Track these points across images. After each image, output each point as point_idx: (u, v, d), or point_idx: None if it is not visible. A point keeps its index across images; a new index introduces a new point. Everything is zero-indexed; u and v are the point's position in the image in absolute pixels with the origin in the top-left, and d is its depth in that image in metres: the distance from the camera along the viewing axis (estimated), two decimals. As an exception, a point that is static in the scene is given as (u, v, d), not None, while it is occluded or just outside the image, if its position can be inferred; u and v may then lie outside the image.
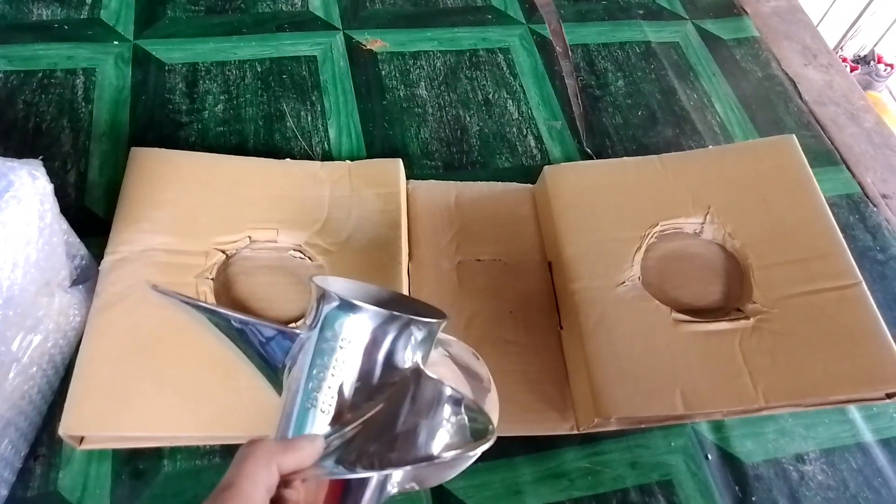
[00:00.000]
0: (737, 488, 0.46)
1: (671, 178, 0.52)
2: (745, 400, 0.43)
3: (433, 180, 0.55)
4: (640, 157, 0.54)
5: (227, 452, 0.43)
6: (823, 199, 0.50)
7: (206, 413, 0.41)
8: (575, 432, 0.46)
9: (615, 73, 0.68)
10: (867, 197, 0.62)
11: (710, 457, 0.47)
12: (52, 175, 0.39)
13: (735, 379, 0.44)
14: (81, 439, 0.41)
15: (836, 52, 1.55)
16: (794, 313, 0.46)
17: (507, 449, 0.45)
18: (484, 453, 0.44)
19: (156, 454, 0.42)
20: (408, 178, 0.54)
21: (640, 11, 0.74)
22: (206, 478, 0.42)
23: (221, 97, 0.59)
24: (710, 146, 0.63)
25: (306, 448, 0.29)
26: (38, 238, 0.37)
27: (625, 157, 0.54)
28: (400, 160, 0.53)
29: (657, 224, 0.50)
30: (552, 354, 0.48)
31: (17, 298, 0.37)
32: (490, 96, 0.64)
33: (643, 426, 0.47)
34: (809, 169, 0.51)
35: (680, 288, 0.50)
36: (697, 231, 0.51)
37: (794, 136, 0.53)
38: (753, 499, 0.45)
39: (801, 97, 0.70)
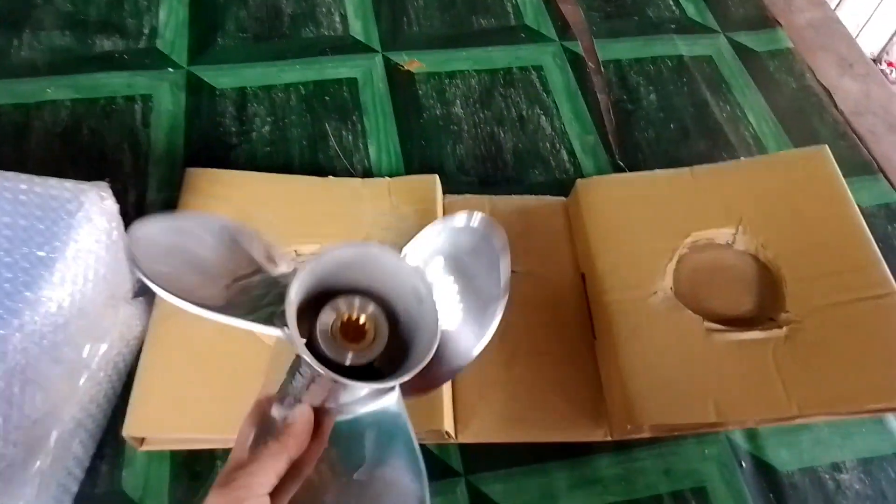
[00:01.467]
0: (772, 496, 0.46)
1: (703, 190, 0.53)
2: (778, 409, 0.43)
3: (469, 195, 0.58)
4: (671, 170, 0.55)
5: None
6: (857, 210, 0.50)
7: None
8: (609, 440, 0.47)
9: (647, 87, 0.70)
10: (906, 207, 0.62)
11: (744, 465, 0.47)
12: (116, 196, 0.42)
13: (768, 387, 0.44)
14: (143, 440, 0.44)
15: (883, 57, 1.52)
16: (828, 323, 0.46)
17: (542, 455, 0.46)
18: (520, 459, 0.46)
19: (210, 457, 0.45)
20: (444, 193, 0.57)
21: (673, 26, 0.75)
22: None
23: (268, 119, 0.63)
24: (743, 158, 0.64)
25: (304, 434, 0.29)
26: (105, 254, 0.41)
27: (656, 170, 0.55)
28: (436, 176, 0.55)
29: (689, 235, 0.51)
30: (585, 364, 0.49)
31: (87, 310, 0.40)
32: (524, 113, 0.66)
33: (676, 434, 0.48)
34: (843, 180, 0.51)
35: (712, 298, 0.50)
36: (730, 242, 0.52)
37: (826, 146, 0.53)
38: (789, 508, 0.46)
39: (836, 108, 0.70)
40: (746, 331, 0.47)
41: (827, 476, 0.47)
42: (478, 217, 0.39)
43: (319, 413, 0.29)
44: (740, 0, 0.79)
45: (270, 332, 0.30)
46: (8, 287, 0.36)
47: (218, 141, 0.61)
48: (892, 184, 0.64)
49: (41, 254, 0.37)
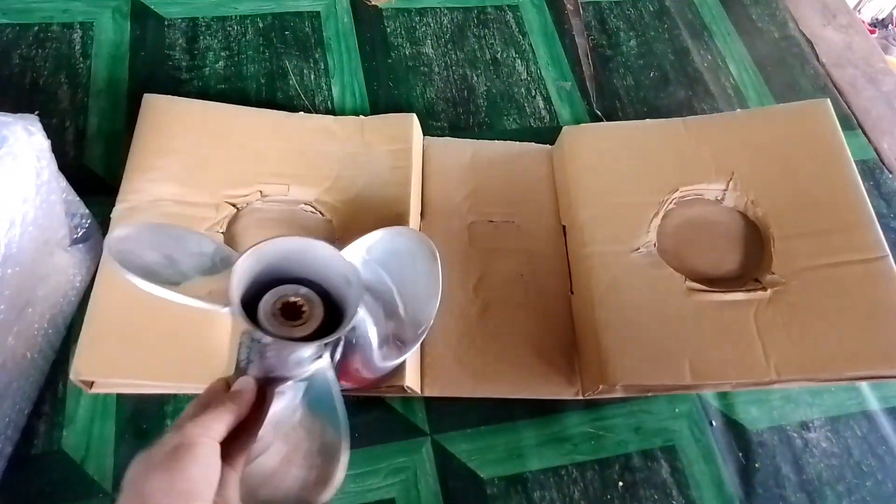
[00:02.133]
0: (740, 454, 0.46)
1: (694, 143, 0.50)
2: (755, 373, 0.42)
3: (449, 138, 0.54)
4: (663, 120, 0.52)
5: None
6: (854, 168, 0.48)
7: (213, 364, 0.41)
8: (579, 398, 0.45)
9: (627, 32, 0.66)
10: (882, 163, 0.61)
11: (714, 423, 0.46)
12: (50, 132, 0.38)
13: (747, 351, 0.43)
14: (91, 384, 0.41)
15: (859, 11, 1.51)
16: (814, 286, 0.44)
17: (510, 412, 0.45)
18: (488, 416, 0.45)
19: (158, 414, 0.42)
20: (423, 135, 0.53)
21: (655, -33, 0.72)
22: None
23: (222, 53, 0.58)
24: (726, 109, 0.61)
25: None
26: (35, 196, 0.37)
27: (647, 120, 0.53)
28: (414, 115, 0.52)
29: (677, 189, 0.49)
30: (561, 319, 0.48)
31: (15, 257, 0.36)
32: (498, 55, 0.62)
33: (649, 394, 0.47)
34: (843, 136, 0.49)
35: (697, 256, 0.48)
36: (719, 198, 0.50)
37: (828, 100, 0.50)
38: (757, 465, 0.45)
39: (818, 59, 0.68)
40: (729, 292, 0.45)
41: (795, 434, 0.47)
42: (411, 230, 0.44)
43: (263, 384, 0.32)
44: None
45: (219, 309, 0.32)
46: (-79, 228, 0.32)
47: (166, 75, 0.56)
48: (869, 139, 0.63)
49: (-41, 192, 0.33)
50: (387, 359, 0.40)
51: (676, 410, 0.47)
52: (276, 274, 0.36)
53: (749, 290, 0.45)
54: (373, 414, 0.44)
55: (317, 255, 0.35)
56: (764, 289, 0.45)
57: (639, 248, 0.47)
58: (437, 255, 0.41)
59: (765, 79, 0.65)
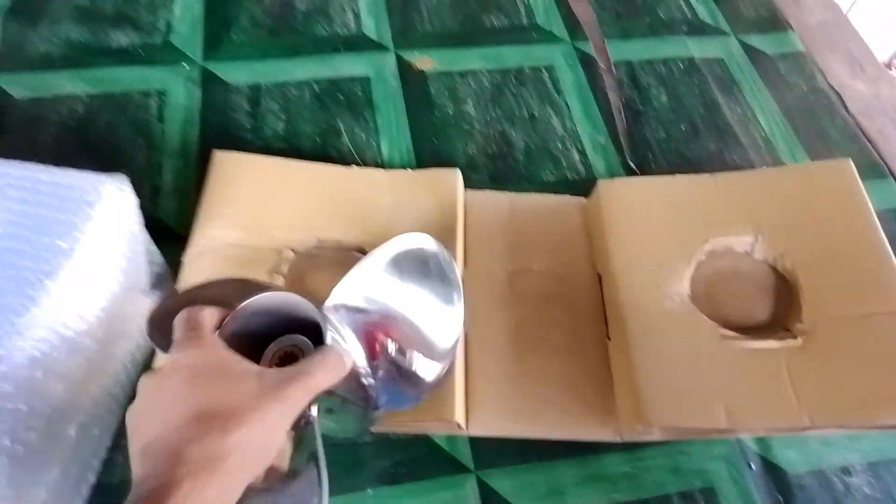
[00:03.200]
0: (780, 497, 0.46)
1: (724, 197, 0.53)
2: (789, 419, 0.43)
3: (489, 190, 0.58)
4: (693, 175, 0.55)
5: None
6: (878, 224, 0.50)
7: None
8: (617, 440, 0.47)
9: (658, 87, 0.70)
10: (915, 210, 0.62)
11: (752, 465, 0.47)
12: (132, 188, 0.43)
13: (780, 397, 0.44)
14: None
15: (893, 62, 1.52)
16: (843, 335, 0.46)
17: (550, 451, 0.47)
18: (528, 455, 0.47)
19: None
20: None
21: (684, 27, 0.75)
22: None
23: (281, 115, 0.63)
24: (757, 162, 0.64)
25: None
26: (124, 247, 0.41)
27: (678, 175, 0.55)
28: (457, 169, 0.56)
29: (708, 241, 0.51)
30: (598, 363, 0.50)
31: (105, 301, 0.40)
32: (535, 112, 0.66)
33: (686, 437, 0.48)
34: (865, 194, 0.51)
35: (728, 305, 0.50)
36: (748, 251, 0.52)
37: (849, 159, 0.53)
38: (796, 508, 0.46)
39: (846, 109, 0.70)
40: (761, 339, 0.47)
41: (836, 478, 0.47)
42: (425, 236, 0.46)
43: None
44: (751, 2, 0.80)
45: None
46: (28, 276, 0.37)
47: (231, 136, 0.61)
48: (901, 187, 0.64)
49: (61, 244, 0.38)
50: (427, 372, 0.42)
51: (714, 452, 0.48)
52: (281, 324, 0.38)
53: (780, 339, 0.47)
54: (419, 450, 0.47)
55: (290, 304, 0.37)
56: (794, 337, 0.47)
57: (672, 296, 0.49)
58: (451, 258, 0.45)
59: (794, 129, 0.67)
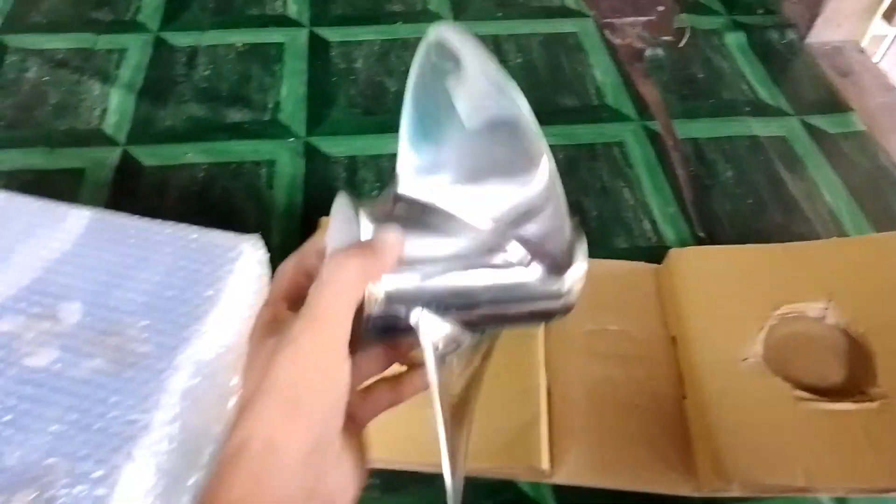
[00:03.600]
0: (861, 559, 0.47)
1: (794, 265, 0.56)
2: (869, 479, 0.45)
3: (562, 256, 0.62)
4: (762, 245, 0.58)
5: (388, 486, 0.49)
6: None
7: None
8: (696, 495, 0.49)
9: (724, 164, 0.74)
10: None
11: (833, 527, 0.48)
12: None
13: (859, 457, 0.45)
14: None
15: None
16: (922, 400, 0.47)
17: (632, 503, 0.49)
18: (611, 506, 0.49)
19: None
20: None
21: (747, 108, 0.80)
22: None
23: (376, 184, 0.70)
24: (823, 235, 0.67)
25: (388, 247, 0.27)
26: (255, 297, 0.47)
27: (748, 244, 0.59)
28: None
29: (780, 307, 0.54)
30: (675, 421, 0.52)
31: (238, 344, 0.46)
32: (606, 184, 0.71)
33: (764, 495, 0.50)
34: None
35: (802, 368, 0.52)
36: (820, 316, 0.54)
37: None
38: (879, 572, 0.47)
39: (911, 187, 0.73)
40: (837, 401, 0.49)
41: (917, 542, 0.48)
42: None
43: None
44: (812, 86, 0.84)
45: None
46: (182, 320, 0.43)
47: (331, 202, 0.68)
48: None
49: (209, 293, 0.44)
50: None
51: (793, 512, 0.49)
52: None
53: (857, 401, 0.49)
54: (505, 495, 0.49)
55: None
56: (872, 400, 0.48)
57: (747, 359, 0.52)
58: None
59: (859, 206, 0.70)
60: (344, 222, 0.30)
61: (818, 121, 0.79)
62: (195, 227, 0.48)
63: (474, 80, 0.29)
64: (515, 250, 0.29)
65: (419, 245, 0.28)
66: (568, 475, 0.49)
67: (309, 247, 0.32)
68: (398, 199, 0.31)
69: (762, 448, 0.47)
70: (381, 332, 0.29)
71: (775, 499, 0.50)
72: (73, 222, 0.48)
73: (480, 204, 0.29)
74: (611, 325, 0.57)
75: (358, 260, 0.27)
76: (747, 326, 0.53)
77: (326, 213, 0.66)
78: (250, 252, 0.47)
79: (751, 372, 0.51)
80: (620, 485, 0.49)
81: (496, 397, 0.45)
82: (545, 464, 0.47)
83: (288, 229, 0.65)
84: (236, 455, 0.23)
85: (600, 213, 0.68)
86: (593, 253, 0.64)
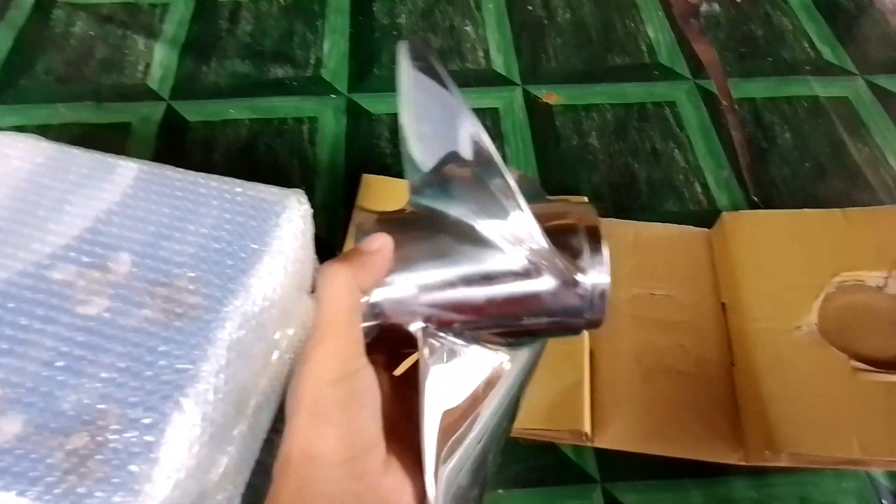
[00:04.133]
0: (914, 537, 0.46)
1: (854, 231, 0.53)
2: None
3: (614, 219, 0.61)
4: (822, 210, 0.55)
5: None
6: None
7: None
8: (743, 464, 0.48)
9: (782, 126, 0.71)
10: None
11: (885, 502, 0.47)
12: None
13: (919, 431, 0.44)
14: None
15: None
16: (981, 372, 0.45)
17: (676, 470, 0.48)
18: (655, 472, 0.48)
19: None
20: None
21: (808, 68, 0.76)
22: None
23: (418, 143, 0.69)
24: (886, 200, 0.63)
25: (375, 253, 0.28)
26: (300, 250, 0.47)
27: (806, 209, 0.56)
28: (586, 199, 0.59)
29: (838, 275, 0.52)
30: (723, 389, 0.51)
31: (282, 297, 0.46)
32: (657, 146, 0.69)
33: (814, 466, 0.48)
34: None
35: (859, 339, 0.50)
36: (880, 286, 0.52)
37: None
38: (933, 551, 0.45)
39: (985, 153, 0.68)
40: (894, 373, 0.47)
41: (975, 523, 0.46)
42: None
43: None
44: (879, 44, 0.79)
45: None
46: (230, 272, 0.42)
47: (374, 160, 0.67)
48: None
49: (254, 246, 0.44)
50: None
51: (844, 486, 0.48)
52: None
53: (915, 374, 0.47)
54: (548, 458, 0.49)
55: None
56: (930, 373, 0.46)
57: (800, 327, 0.50)
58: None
59: (926, 172, 0.66)
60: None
61: (885, 81, 0.75)
62: (241, 182, 0.47)
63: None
64: (520, 260, 0.28)
65: (416, 252, 0.29)
66: (611, 440, 0.48)
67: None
68: (409, 207, 0.31)
69: (814, 419, 0.46)
70: (384, 342, 0.29)
71: (823, 471, 0.48)
72: (122, 174, 0.48)
73: (483, 218, 0.29)
74: (658, 290, 0.56)
75: (346, 269, 0.29)
76: (802, 294, 0.51)
77: (369, 170, 0.66)
78: (295, 206, 0.46)
79: (804, 341, 0.49)
80: (665, 451, 0.48)
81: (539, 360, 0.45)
82: (587, 427, 0.47)
83: (331, 187, 0.65)
84: (282, 469, 0.27)
85: (650, 177, 0.66)
86: (643, 216, 0.63)
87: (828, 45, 0.79)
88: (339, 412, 0.26)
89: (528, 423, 0.48)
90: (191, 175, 0.50)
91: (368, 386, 0.26)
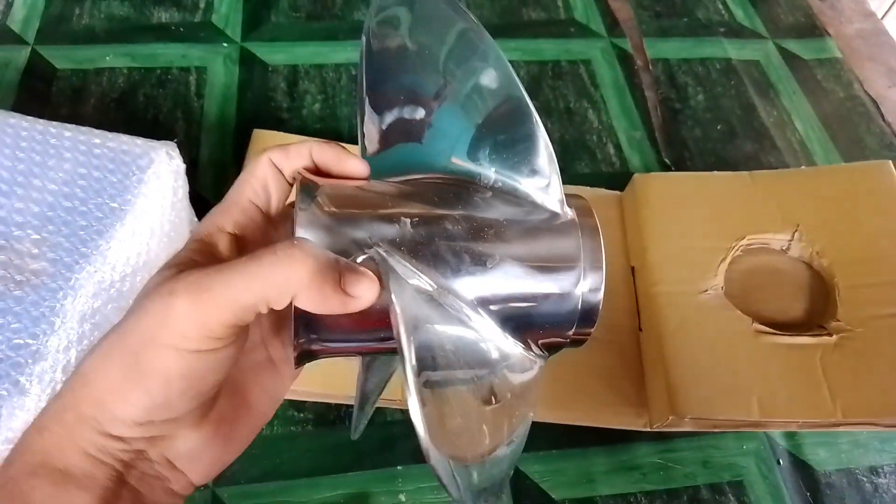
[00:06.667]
0: (808, 494, 0.46)
1: (761, 194, 0.53)
2: (822, 413, 0.43)
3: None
4: (730, 172, 0.55)
5: (321, 420, 0.46)
6: None
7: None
8: (648, 429, 0.47)
9: (695, 87, 0.70)
10: (952, 219, 0.62)
11: (781, 462, 0.47)
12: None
13: (813, 392, 0.44)
14: None
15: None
16: (879, 334, 0.46)
17: (581, 439, 0.47)
18: (559, 441, 0.46)
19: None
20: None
21: (722, 29, 0.75)
22: (301, 442, 0.45)
23: (318, 97, 0.64)
24: (793, 165, 0.64)
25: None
26: (170, 211, 0.42)
27: (715, 171, 0.55)
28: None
29: (744, 237, 0.51)
30: (630, 354, 0.50)
31: (151, 264, 0.41)
32: (571, 105, 0.66)
33: (716, 429, 0.48)
34: None
35: (763, 301, 0.50)
36: (784, 248, 0.52)
37: (889, 162, 0.53)
38: (826, 507, 0.46)
39: (883, 118, 0.70)
40: (795, 335, 0.47)
41: (864, 478, 0.47)
42: None
43: None
44: (789, 8, 0.79)
45: None
46: (82, 234, 0.37)
47: (269, 114, 0.62)
48: (937, 196, 0.64)
49: (114, 205, 0.38)
50: None
51: (744, 447, 0.48)
52: None
53: (815, 335, 0.47)
54: (450, 431, 0.47)
55: None
56: (829, 334, 0.47)
57: (707, 290, 0.49)
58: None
59: (830, 136, 0.67)
60: None
61: (793, 46, 0.75)
62: (100, 132, 0.41)
63: None
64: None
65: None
66: (515, 410, 0.46)
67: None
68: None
69: (717, 381, 0.45)
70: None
71: (724, 434, 0.48)
72: (-49, 121, 0.41)
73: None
74: (567, 254, 0.54)
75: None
76: (709, 257, 0.50)
77: (262, 126, 0.60)
78: (164, 160, 0.41)
79: (710, 304, 0.48)
80: (571, 420, 0.47)
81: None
82: (490, 398, 0.44)
83: (219, 143, 0.59)
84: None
85: (563, 137, 0.64)
86: (553, 178, 0.61)
87: (741, 7, 0.78)
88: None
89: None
90: (41, 123, 0.43)
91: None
